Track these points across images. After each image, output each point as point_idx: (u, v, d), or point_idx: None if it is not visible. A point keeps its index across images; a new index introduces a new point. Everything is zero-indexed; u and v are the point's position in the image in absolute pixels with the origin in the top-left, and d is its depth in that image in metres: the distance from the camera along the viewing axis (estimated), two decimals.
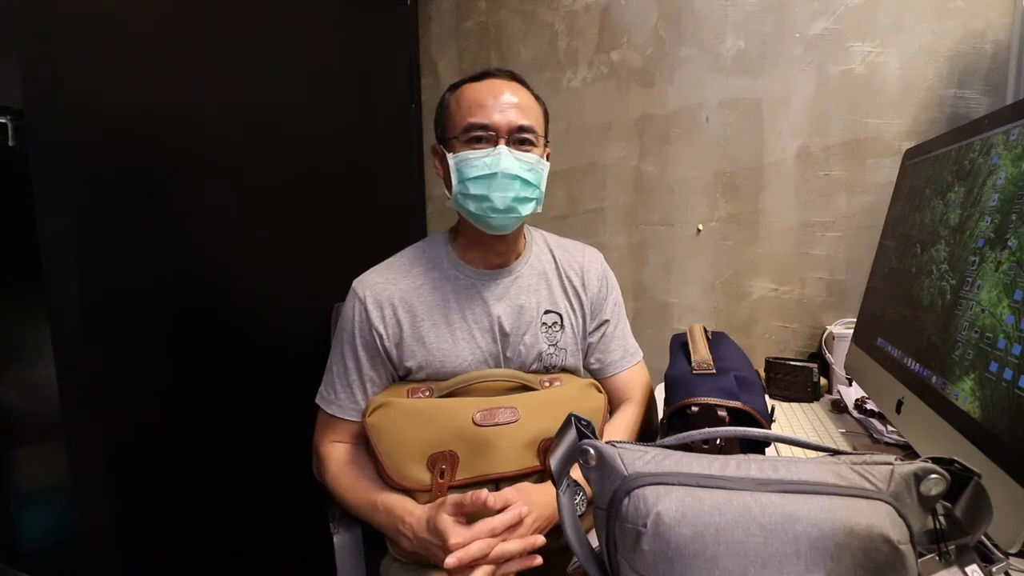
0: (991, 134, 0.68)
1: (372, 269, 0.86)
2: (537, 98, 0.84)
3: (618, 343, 0.93)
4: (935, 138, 0.91)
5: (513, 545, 0.65)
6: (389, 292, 0.82)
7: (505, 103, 0.78)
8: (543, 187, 0.82)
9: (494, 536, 0.65)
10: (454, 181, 0.79)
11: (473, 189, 0.77)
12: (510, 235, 0.84)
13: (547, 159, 0.85)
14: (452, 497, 0.67)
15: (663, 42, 1.34)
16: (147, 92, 0.88)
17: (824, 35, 1.20)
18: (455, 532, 0.64)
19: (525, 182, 0.77)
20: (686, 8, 1.30)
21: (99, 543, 0.84)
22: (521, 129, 0.78)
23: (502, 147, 0.76)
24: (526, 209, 0.80)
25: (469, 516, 0.67)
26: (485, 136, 0.77)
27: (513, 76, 0.83)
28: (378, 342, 0.81)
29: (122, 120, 0.86)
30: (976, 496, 0.43)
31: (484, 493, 0.65)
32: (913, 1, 1.13)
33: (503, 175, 0.76)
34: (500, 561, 0.65)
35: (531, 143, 0.79)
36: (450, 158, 0.79)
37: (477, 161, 0.76)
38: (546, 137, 0.84)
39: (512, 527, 0.66)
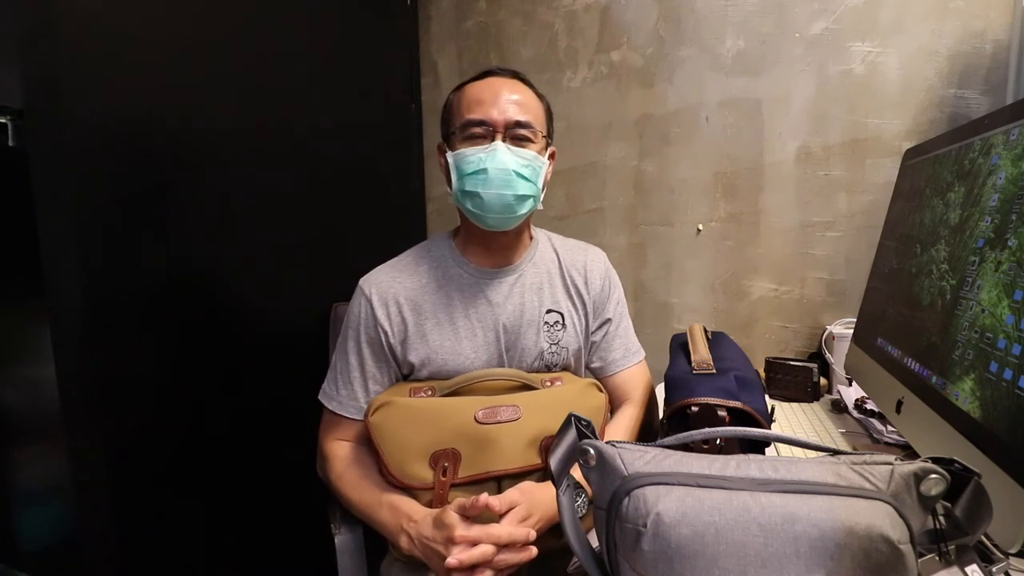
0: (991, 134, 0.68)
1: (378, 268, 0.87)
2: (540, 96, 0.85)
3: (620, 342, 0.93)
4: (935, 138, 0.91)
5: (514, 557, 0.65)
6: (395, 290, 0.83)
7: (503, 100, 0.78)
8: (540, 184, 0.82)
9: (497, 545, 0.65)
10: (453, 178, 0.80)
11: (469, 186, 0.77)
12: (511, 232, 0.84)
13: (552, 158, 0.85)
14: (457, 501, 0.67)
15: (663, 42, 1.34)
16: (147, 92, 0.89)
17: (824, 35, 1.20)
18: (462, 526, 0.64)
19: (521, 177, 0.77)
20: (686, 8, 1.30)
21: (99, 543, 0.84)
22: (518, 125, 0.78)
23: (498, 142, 0.77)
24: (522, 207, 0.80)
25: (473, 519, 0.67)
26: (483, 132, 0.78)
27: (515, 75, 0.84)
28: (383, 339, 0.81)
29: (122, 120, 0.86)
30: (976, 496, 0.43)
31: (485, 496, 0.65)
32: (913, 1, 1.13)
33: (497, 170, 0.76)
34: (500, 568, 0.65)
35: (528, 139, 0.80)
36: (449, 155, 0.81)
37: (472, 157, 0.77)
38: (549, 136, 0.85)
39: (516, 546, 0.66)
